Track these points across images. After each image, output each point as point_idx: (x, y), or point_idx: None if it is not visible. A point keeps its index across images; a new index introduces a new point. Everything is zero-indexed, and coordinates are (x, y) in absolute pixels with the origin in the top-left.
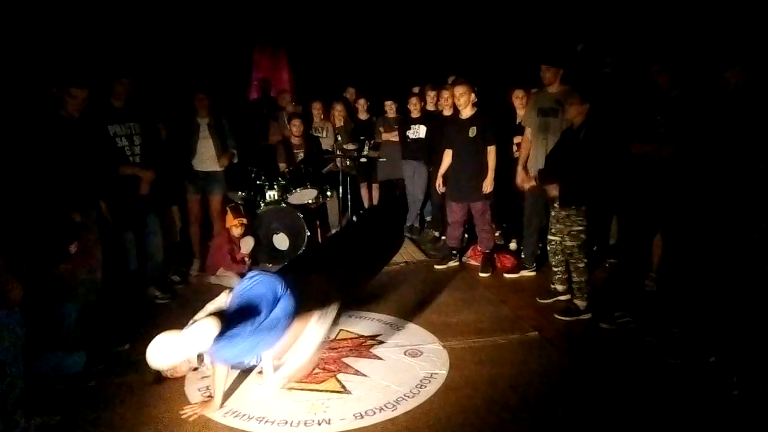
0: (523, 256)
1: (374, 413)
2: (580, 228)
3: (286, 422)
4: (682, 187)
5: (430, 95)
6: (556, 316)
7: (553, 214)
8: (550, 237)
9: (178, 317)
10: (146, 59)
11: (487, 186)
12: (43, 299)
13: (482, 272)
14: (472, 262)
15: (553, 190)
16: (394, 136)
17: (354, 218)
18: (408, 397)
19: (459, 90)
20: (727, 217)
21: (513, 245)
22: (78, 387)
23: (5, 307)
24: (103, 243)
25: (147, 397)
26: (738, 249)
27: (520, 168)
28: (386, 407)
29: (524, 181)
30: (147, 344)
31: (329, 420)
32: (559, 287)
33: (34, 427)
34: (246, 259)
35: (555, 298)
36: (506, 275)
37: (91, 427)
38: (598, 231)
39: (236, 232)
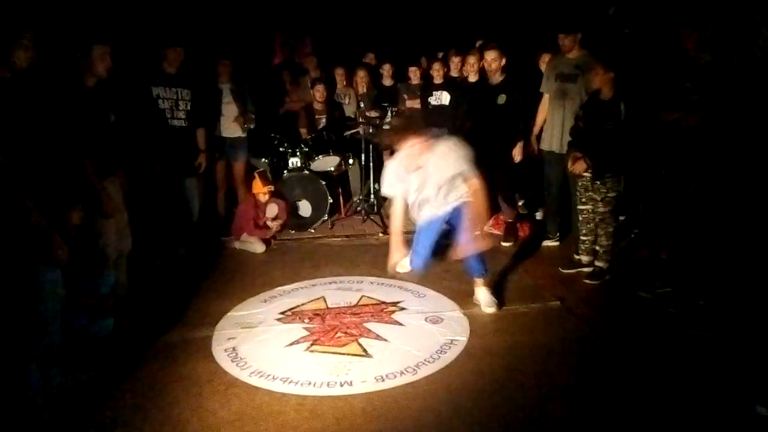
0: (546, 225)
1: (395, 377)
2: (614, 194)
3: (310, 383)
4: (711, 157)
5: (454, 61)
6: (585, 280)
7: (580, 183)
8: (581, 207)
9: (211, 278)
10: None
11: (517, 155)
12: (83, 265)
13: (504, 242)
14: (495, 232)
15: (580, 167)
16: (417, 104)
17: (376, 186)
18: (428, 362)
19: (491, 55)
20: (754, 190)
21: (539, 215)
22: (108, 346)
23: (52, 265)
24: (131, 206)
25: (175, 356)
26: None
27: (533, 136)
28: (406, 371)
29: (534, 150)
30: (175, 306)
31: (351, 382)
32: (585, 258)
33: (71, 381)
34: (270, 223)
35: (579, 269)
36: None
37: (121, 383)
38: (627, 200)
39: (263, 198)
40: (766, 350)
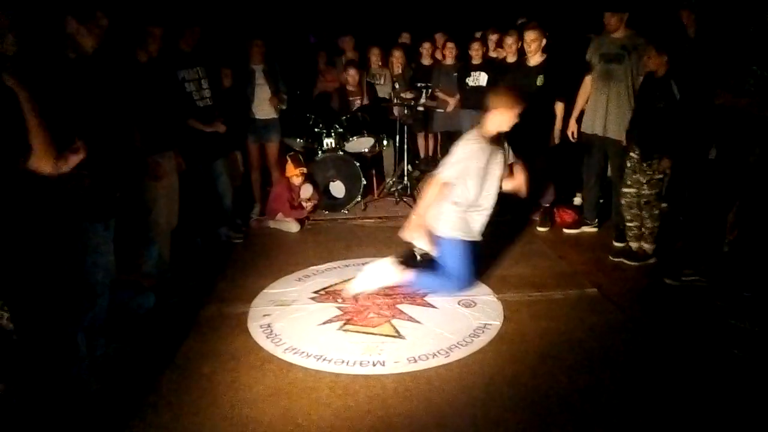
0: (584, 211)
1: (427, 358)
2: (661, 176)
3: (343, 361)
4: None
5: (492, 39)
6: (625, 261)
7: (629, 165)
8: (625, 190)
9: (246, 256)
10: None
11: (554, 138)
12: (129, 241)
13: (540, 227)
14: (531, 216)
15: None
16: (449, 95)
17: (410, 168)
18: (461, 345)
19: (531, 35)
20: None
21: (577, 200)
22: (149, 320)
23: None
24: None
25: (212, 331)
26: None
27: (572, 119)
28: (439, 354)
29: (575, 133)
30: (215, 281)
31: (384, 362)
32: (634, 244)
33: (113, 351)
34: (305, 204)
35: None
36: (565, 230)
37: (160, 356)
38: (673, 187)
39: (296, 181)
40: None
